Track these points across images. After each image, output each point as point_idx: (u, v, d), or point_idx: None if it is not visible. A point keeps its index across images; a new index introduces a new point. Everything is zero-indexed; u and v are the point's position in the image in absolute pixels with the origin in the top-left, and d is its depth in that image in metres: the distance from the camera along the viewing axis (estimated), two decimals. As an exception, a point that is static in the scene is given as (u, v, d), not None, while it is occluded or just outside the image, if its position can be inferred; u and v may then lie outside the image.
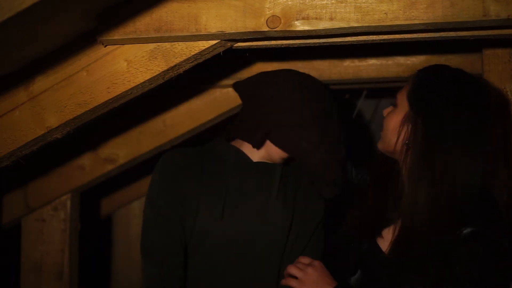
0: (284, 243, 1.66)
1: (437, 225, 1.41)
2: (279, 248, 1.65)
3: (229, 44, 1.51)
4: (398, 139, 1.51)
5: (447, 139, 1.43)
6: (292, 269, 1.58)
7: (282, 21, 1.38)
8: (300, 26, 1.38)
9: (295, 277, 1.57)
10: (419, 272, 1.41)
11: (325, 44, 1.53)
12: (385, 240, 1.56)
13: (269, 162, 1.68)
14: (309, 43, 1.53)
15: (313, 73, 2.15)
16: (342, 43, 1.52)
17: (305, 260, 1.60)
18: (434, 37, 1.50)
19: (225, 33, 1.41)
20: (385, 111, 1.62)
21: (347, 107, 3.35)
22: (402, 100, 1.54)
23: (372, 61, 2.14)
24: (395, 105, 1.58)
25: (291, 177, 1.70)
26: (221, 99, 2.31)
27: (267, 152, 1.66)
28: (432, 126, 1.45)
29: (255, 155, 1.66)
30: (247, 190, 1.63)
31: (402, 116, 1.51)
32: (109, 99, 1.52)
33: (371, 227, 1.60)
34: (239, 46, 1.55)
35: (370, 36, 1.50)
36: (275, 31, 1.39)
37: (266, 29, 1.39)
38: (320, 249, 1.70)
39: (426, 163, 1.44)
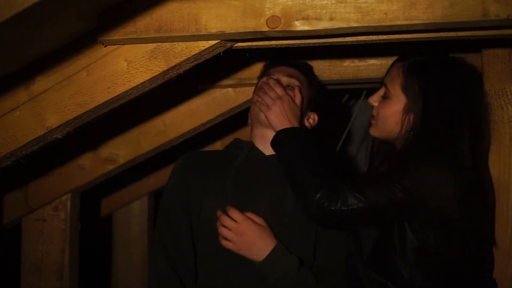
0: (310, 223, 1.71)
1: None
2: (307, 226, 1.71)
3: (229, 44, 1.51)
4: (402, 127, 1.65)
5: (446, 124, 1.60)
6: (223, 231, 1.63)
7: (282, 21, 1.38)
8: (300, 26, 1.38)
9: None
10: None
11: (325, 44, 1.54)
12: None
13: None
14: (309, 43, 1.53)
15: (313, 73, 2.15)
16: (342, 43, 1.52)
17: (235, 215, 1.64)
18: (434, 37, 1.50)
19: (225, 33, 1.41)
20: (374, 100, 1.74)
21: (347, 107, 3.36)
22: (396, 92, 1.66)
23: (372, 61, 2.15)
24: (387, 97, 1.68)
25: None
26: (221, 99, 2.31)
27: None
28: (432, 113, 1.61)
29: (269, 149, 1.76)
30: (256, 180, 1.73)
31: (402, 107, 1.65)
32: (109, 99, 1.52)
33: None
34: (239, 46, 1.55)
35: (370, 36, 1.50)
36: (275, 31, 1.39)
37: (266, 29, 1.39)
38: None
39: (431, 146, 1.59)
